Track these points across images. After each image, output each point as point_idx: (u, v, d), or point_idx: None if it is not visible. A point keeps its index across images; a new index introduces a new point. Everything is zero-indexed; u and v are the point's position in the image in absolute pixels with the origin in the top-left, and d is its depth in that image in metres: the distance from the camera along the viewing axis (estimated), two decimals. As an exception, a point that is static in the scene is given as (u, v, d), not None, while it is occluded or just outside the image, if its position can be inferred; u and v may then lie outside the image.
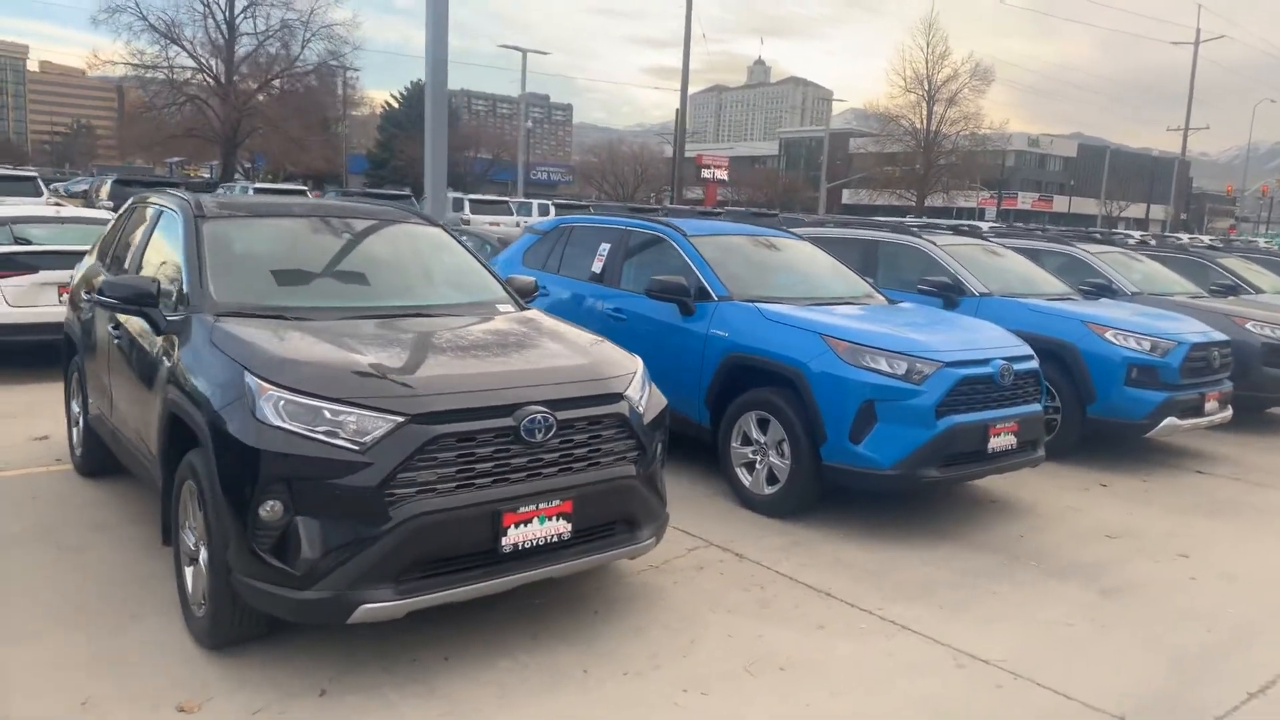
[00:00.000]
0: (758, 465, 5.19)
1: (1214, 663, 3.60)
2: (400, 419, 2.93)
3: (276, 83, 36.84)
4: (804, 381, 4.87)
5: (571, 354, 3.66)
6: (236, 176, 38.61)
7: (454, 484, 3.00)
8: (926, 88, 44.60)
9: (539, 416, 3.16)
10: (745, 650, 3.48)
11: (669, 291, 5.58)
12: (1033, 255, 9.66)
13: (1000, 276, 7.74)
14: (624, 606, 3.81)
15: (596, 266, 6.51)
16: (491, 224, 19.72)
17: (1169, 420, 6.40)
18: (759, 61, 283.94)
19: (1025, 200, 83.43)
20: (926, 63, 44.48)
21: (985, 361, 4.93)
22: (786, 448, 4.98)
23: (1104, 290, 8.77)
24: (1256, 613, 4.11)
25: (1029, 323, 6.87)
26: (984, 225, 26.38)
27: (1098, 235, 29.57)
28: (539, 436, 3.15)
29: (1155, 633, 3.83)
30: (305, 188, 22.58)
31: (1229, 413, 6.97)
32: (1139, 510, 5.62)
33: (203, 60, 35.00)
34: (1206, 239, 45.72)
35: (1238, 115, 59.76)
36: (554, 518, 3.20)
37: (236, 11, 35.36)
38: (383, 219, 4.71)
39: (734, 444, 5.31)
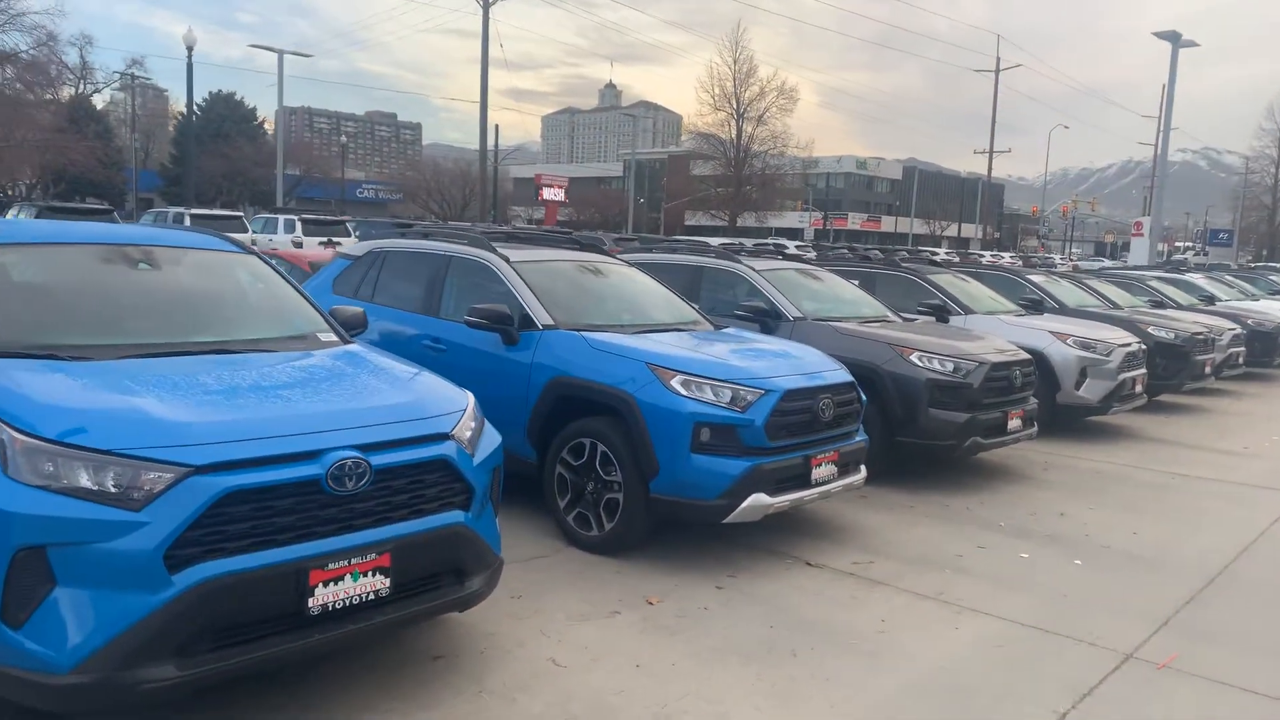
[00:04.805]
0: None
1: None
2: None
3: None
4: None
5: None
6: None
7: None
8: (734, 105, 44.23)
9: None
10: None
11: None
12: (695, 273, 8.01)
13: (595, 303, 5.89)
14: None
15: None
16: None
17: (755, 498, 4.62)
18: (609, 85, 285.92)
19: (855, 220, 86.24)
20: (734, 80, 44.09)
21: (303, 457, 2.86)
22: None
23: (764, 315, 7.18)
24: None
25: (591, 367, 5.00)
26: (710, 240, 25.09)
27: (905, 253, 29.47)
28: None
29: None
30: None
31: (859, 476, 5.32)
32: (655, 656, 3.73)
33: None
34: (1007, 256, 47.76)
35: (1052, 143, 63.60)
36: None
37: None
38: None
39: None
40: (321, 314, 4.34)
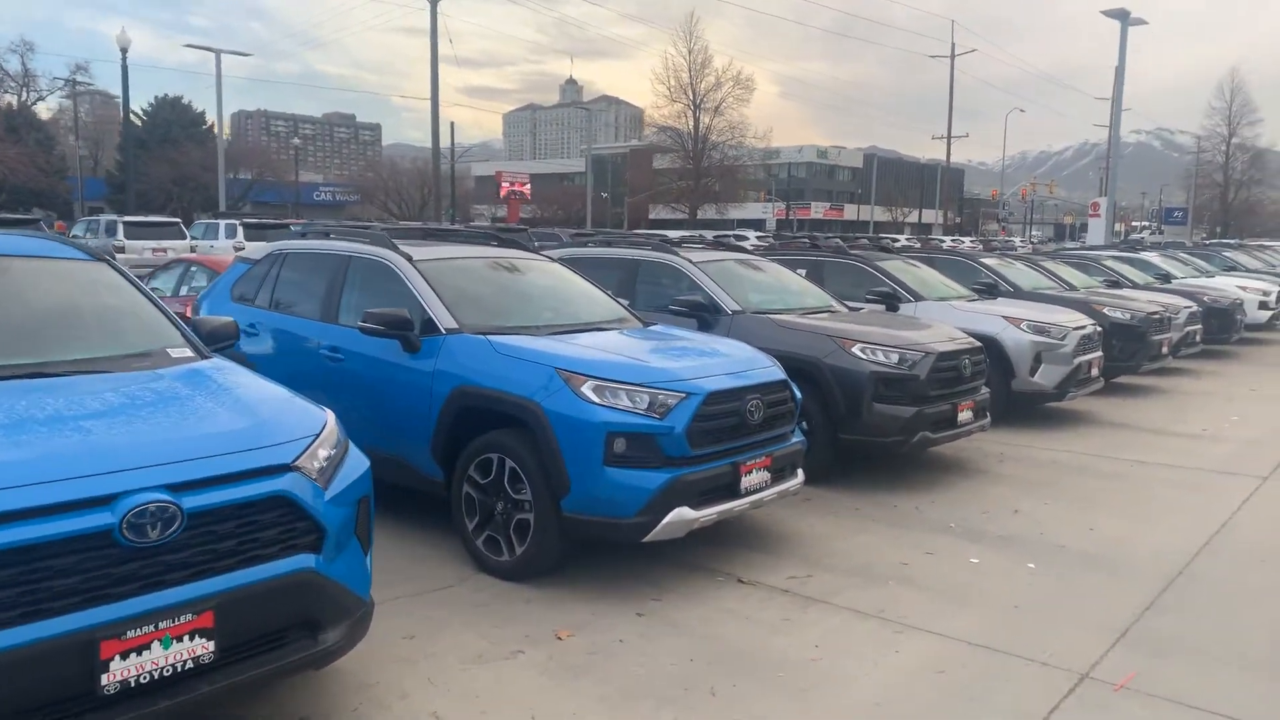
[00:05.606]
0: None
1: None
2: None
3: None
4: None
5: None
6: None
7: None
8: (691, 96, 43.80)
9: None
10: None
11: None
12: (631, 267, 7.57)
13: (509, 303, 5.43)
14: None
15: None
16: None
17: (678, 513, 4.19)
18: (570, 81, 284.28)
19: (818, 210, 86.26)
20: (689, 70, 43.64)
21: (91, 504, 2.36)
22: None
23: (700, 309, 6.78)
24: None
25: (496, 375, 4.54)
26: (671, 233, 24.77)
27: (865, 240, 29.31)
28: None
29: None
30: None
31: (795, 481, 4.91)
32: (555, 705, 3.28)
33: None
34: (967, 241, 47.85)
35: (1010, 127, 63.60)
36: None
37: None
38: None
39: None
40: (178, 326, 3.83)
